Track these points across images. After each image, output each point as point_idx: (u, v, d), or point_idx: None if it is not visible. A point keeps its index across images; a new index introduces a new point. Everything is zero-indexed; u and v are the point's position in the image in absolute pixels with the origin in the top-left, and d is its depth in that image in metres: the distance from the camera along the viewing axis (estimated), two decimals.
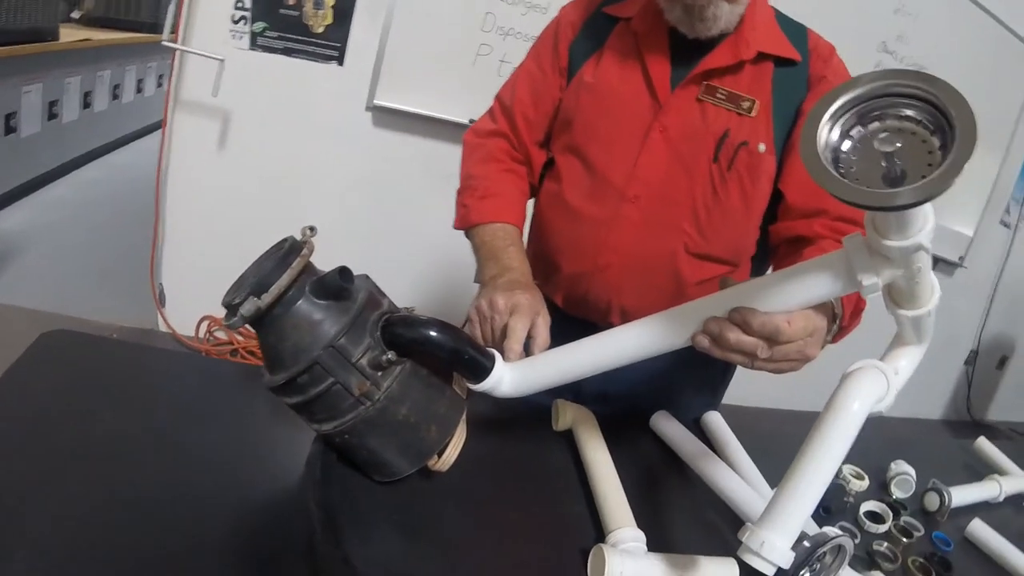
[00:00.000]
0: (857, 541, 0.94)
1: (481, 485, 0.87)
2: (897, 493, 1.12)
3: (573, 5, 1.17)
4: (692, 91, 1.03)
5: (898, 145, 0.56)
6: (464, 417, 0.82)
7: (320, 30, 2.40)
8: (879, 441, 1.30)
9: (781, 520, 0.62)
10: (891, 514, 1.01)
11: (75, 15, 4.25)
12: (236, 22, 2.34)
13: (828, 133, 0.58)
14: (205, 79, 2.34)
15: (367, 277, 0.79)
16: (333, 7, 2.37)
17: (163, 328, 2.69)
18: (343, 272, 0.71)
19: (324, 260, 0.74)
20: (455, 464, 0.81)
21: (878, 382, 0.70)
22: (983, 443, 1.35)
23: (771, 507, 0.63)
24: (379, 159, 2.62)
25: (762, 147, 1.01)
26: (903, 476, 1.13)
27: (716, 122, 1.02)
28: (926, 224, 0.59)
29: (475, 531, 0.79)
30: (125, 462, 0.76)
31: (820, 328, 0.75)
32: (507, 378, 0.81)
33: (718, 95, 1.02)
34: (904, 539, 0.97)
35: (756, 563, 0.60)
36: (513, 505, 0.86)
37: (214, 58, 2.29)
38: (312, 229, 0.74)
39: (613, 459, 0.91)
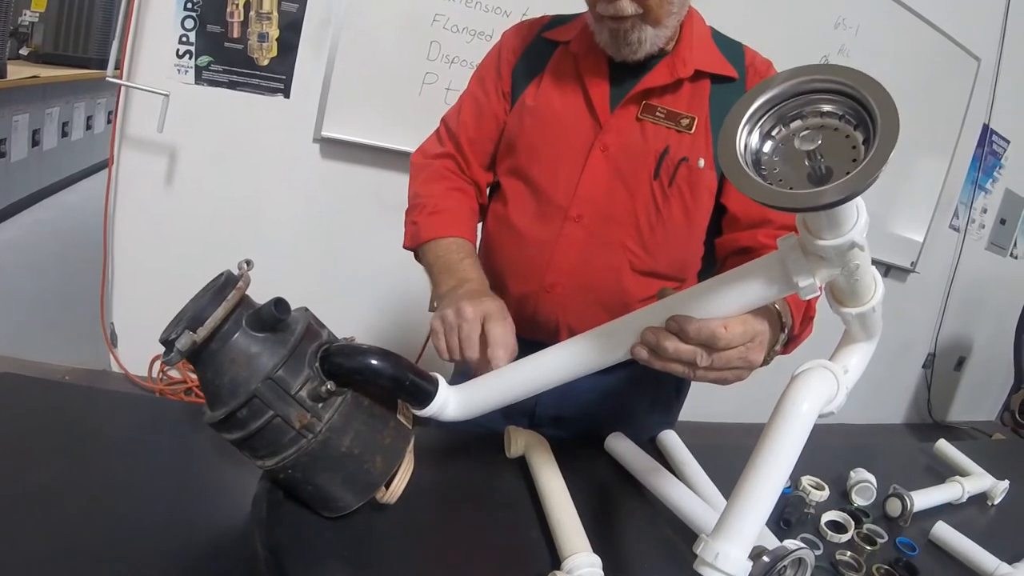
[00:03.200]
0: (819, 552, 0.93)
1: (433, 516, 0.85)
2: (858, 501, 1.11)
3: (515, 30, 1.17)
4: (631, 111, 1.04)
5: (819, 142, 0.55)
6: (411, 447, 0.80)
7: (265, 63, 2.38)
8: (839, 450, 1.31)
9: (735, 530, 0.60)
10: (853, 523, 1.01)
11: (24, 52, 4.20)
12: (181, 56, 2.31)
13: (747, 136, 0.58)
14: (151, 115, 2.30)
15: (306, 309, 0.77)
16: (278, 40, 2.36)
17: (116, 369, 2.63)
18: (278, 303, 0.70)
19: (274, 293, 0.72)
20: (406, 495, 0.79)
21: (827, 382, 0.69)
22: (943, 445, 1.36)
23: (724, 517, 0.62)
24: (328, 190, 2.60)
25: (702, 162, 1.02)
26: (863, 484, 1.12)
27: (656, 140, 1.03)
28: (858, 220, 0.58)
29: (428, 563, 0.77)
30: (66, 509, 0.73)
31: (761, 332, 0.74)
32: (452, 402, 0.79)
33: (657, 113, 1.03)
34: (868, 547, 0.97)
35: (711, 575, 0.59)
36: (467, 535, 0.84)
37: (159, 93, 2.26)
38: (248, 263, 0.73)
39: (568, 483, 0.90)
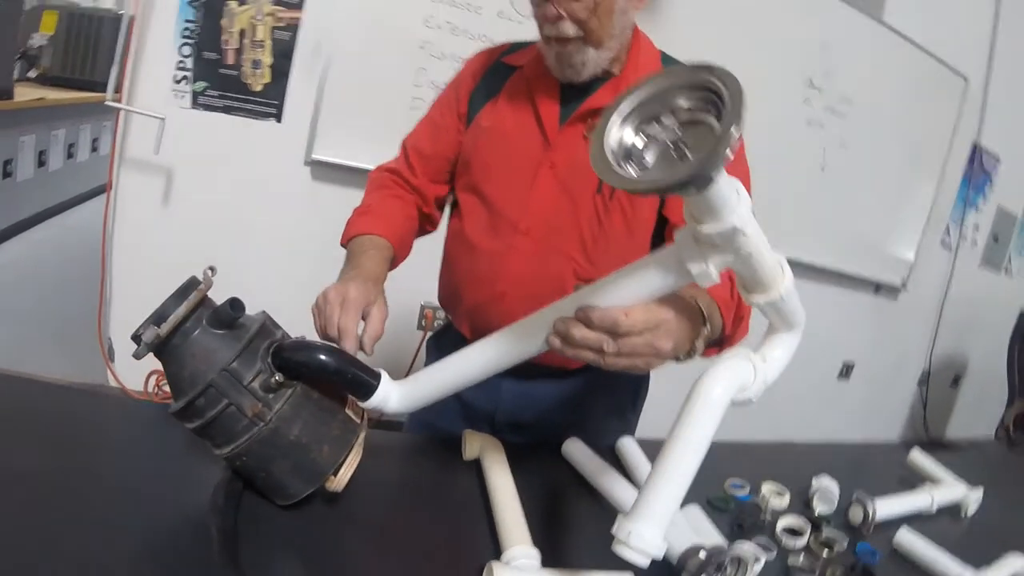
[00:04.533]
0: (773, 556, 0.93)
1: (385, 511, 0.89)
2: (819, 508, 1.10)
3: (477, 56, 1.23)
4: (578, 129, 1.08)
5: (679, 134, 0.59)
6: (360, 440, 0.84)
7: (259, 88, 2.44)
8: (810, 459, 1.28)
9: (648, 510, 0.62)
10: (810, 528, 1.00)
11: (32, 74, 4.26)
12: (178, 82, 2.37)
13: (621, 133, 0.62)
14: (149, 138, 2.36)
15: (264, 312, 0.84)
16: (271, 66, 2.42)
17: (113, 383, 2.66)
18: (233, 303, 0.77)
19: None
20: (361, 491, 0.84)
21: (743, 369, 0.72)
22: (916, 455, 1.32)
23: (639, 499, 0.64)
24: (318, 211, 2.61)
25: None
26: (825, 490, 1.11)
27: None
28: (738, 207, 0.60)
29: (374, 553, 0.81)
30: (37, 495, 0.76)
31: (666, 321, 0.75)
32: (395, 396, 0.84)
33: None
34: (824, 552, 0.96)
35: (626, 554, 0.61)
36: (416, 528, 0.87)
37: (155, 117, 2.31)
38: (212, 269, 0.79)
39: (521, 484, 0.92)
